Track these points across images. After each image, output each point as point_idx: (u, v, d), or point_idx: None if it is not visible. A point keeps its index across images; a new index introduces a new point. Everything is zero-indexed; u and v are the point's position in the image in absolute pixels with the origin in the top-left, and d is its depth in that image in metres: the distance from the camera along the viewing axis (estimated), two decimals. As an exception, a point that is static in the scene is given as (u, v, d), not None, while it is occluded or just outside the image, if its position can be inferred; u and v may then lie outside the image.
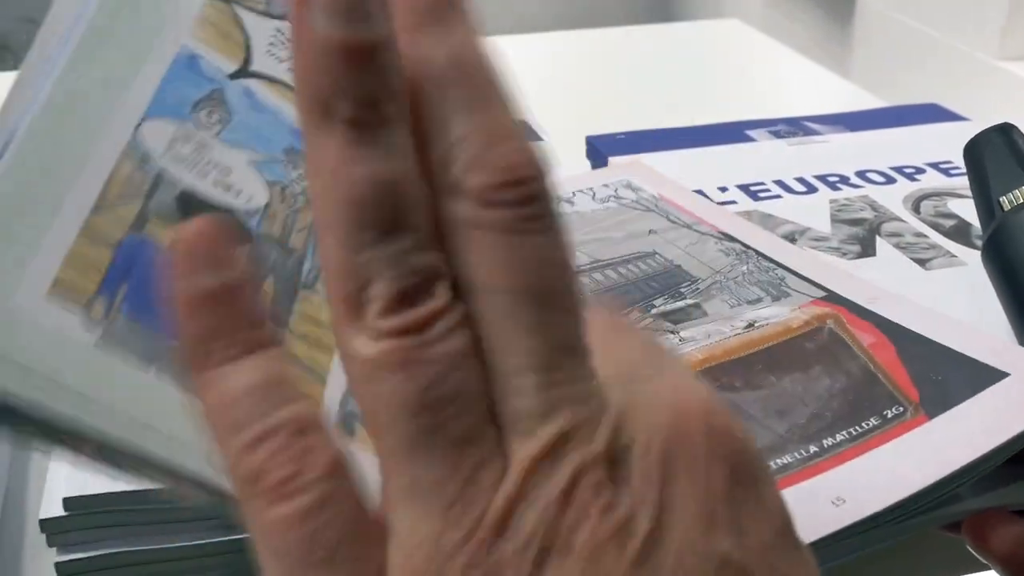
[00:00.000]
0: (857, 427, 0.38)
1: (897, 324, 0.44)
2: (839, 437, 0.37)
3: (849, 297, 0.46)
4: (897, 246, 0.55)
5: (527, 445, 0.19)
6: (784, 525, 0.21)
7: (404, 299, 0.19)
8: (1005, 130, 0.51)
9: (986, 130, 0.52)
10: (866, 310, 0.45)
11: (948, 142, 0.68)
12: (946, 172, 0.64)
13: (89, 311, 0.28)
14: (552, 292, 0.20)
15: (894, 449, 0.37)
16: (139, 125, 0.30)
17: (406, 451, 0.19)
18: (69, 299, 0.27)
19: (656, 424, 0.20)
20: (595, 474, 0.19)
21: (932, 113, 0.76)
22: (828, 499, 0.34)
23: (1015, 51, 1.19)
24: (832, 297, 0.46)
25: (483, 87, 0.20)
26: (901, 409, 0.39)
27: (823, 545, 0.33)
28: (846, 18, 1.55)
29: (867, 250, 0.54)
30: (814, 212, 0.58)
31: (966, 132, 0.54)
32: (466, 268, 0.20)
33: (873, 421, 0.38)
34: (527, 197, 0.20)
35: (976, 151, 0.52)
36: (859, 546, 0.35)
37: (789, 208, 0.59)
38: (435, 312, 0.19)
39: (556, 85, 0.93)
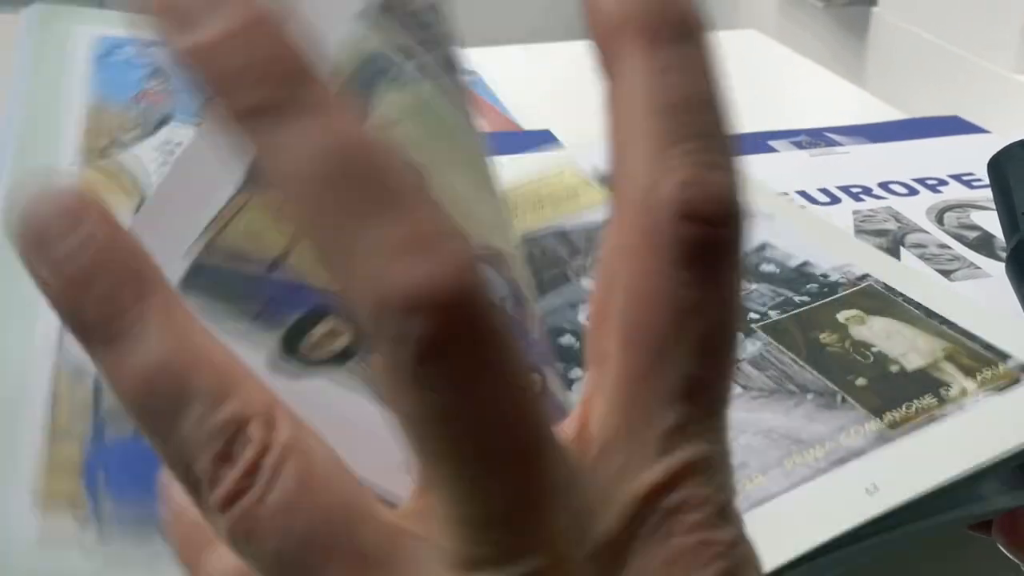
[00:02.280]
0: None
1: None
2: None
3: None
4: (921, 257, 0.55)
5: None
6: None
7: (222, 460, 0.18)
8: (1029, 144, 0.52)
9: (1010, 145, 0.52)
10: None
11: (969, 154, 0.68)
12: (968, 184, 0.64)
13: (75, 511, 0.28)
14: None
15: (926, 436, 0.37)
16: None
17: None
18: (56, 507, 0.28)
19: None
20: None
21: (953, 125, 0.76)
22: (862, 487, 0.35)
23: (1032, 65, 1.19)
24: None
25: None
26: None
27: (857, 540, 0.33)
28: (861, 30, 1.55)
29: (891, 261, 0.55)
30: (838, 223, 0.59)
31: (987, 145, 0.54)
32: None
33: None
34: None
35: (1000, 165, 0.52)
36: (890, 543, 0.35)
37: (813, 218, 0.59)
38: (253, 459, 0.18)
39: (576, 94, 0.93)
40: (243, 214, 0.28)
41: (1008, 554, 0.38)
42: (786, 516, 0.34)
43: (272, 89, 0.17)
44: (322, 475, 0.19)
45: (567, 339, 0.44)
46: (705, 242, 0.19)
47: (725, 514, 0.19)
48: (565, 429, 0.20)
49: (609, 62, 0.21)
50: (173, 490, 0.21)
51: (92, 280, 0.19)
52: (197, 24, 0.17)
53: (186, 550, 0.21)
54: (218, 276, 0.27)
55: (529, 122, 0.82)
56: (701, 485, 0.19)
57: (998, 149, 0.53)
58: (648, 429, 0.19)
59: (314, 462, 0.19)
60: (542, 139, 0.74)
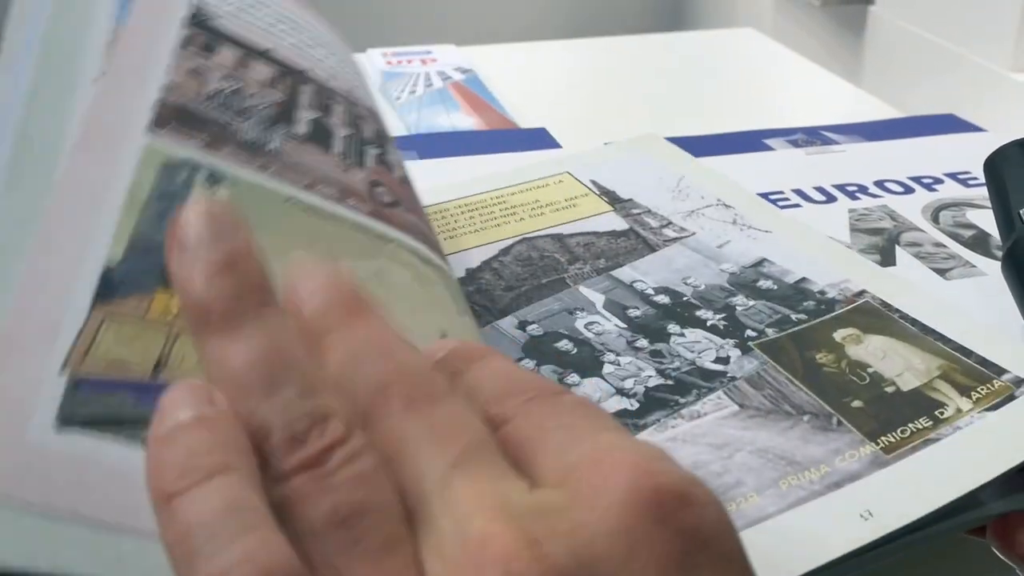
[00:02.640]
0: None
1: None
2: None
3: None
4: (917, 256, 0.55)
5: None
6: None
7: (298, 440, 0.21)
8: (1024, 145, 0.52)
9: (1006, 145, 0.52)
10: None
11: (965, 153, 0.68)
12: (964, 183, 0.64)
13: None
14: (445, 432, 0.22)
15: (921, 460, 0.37)
16: None
17: (331, 572, 0.20)
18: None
19: (587, 508, 0.20)
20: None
21: (948, 124, 0.76)
22: (856, 513, 0.34)
23: (1028, 63, 1.19)
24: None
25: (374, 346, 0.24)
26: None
27: (851, 559, 0.33)
28: (858, 28, 1.55)
29: (887, 260, 0.55)
30: (834, 221, 0.59)
31: (983, 143, 0.54)
32: (358, 400, 0.23)
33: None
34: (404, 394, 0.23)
35: (996, 165, 0.52)
36: (886, 555, 0.35)
37: (809, 217, 0.59)
38: (328, 444, 0.21)
39: (572, 93, 0.94)
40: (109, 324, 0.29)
41: (1003, 557, 0.38)
42: (781, 538, 0.34)
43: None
44: (384, 478, 0.22)
45: (564, 344, 0.44)
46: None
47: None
48: None
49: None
50: (170, 412, 0.22)
51: (225, 279, 0.23)
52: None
53: (159, 481, 0.21)
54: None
55: (525, 120, 0.82)
56: None
57: (994, 148, 0.53)
58: None
59: (376, 464, 0.22)
60: (538, 137, 0.74)
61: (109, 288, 0.30)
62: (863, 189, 0.63)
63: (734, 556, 0.21)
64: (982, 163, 0.53)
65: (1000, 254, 0.50)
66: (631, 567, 0.20)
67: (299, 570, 0.20)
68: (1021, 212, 0.48)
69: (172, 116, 0.34)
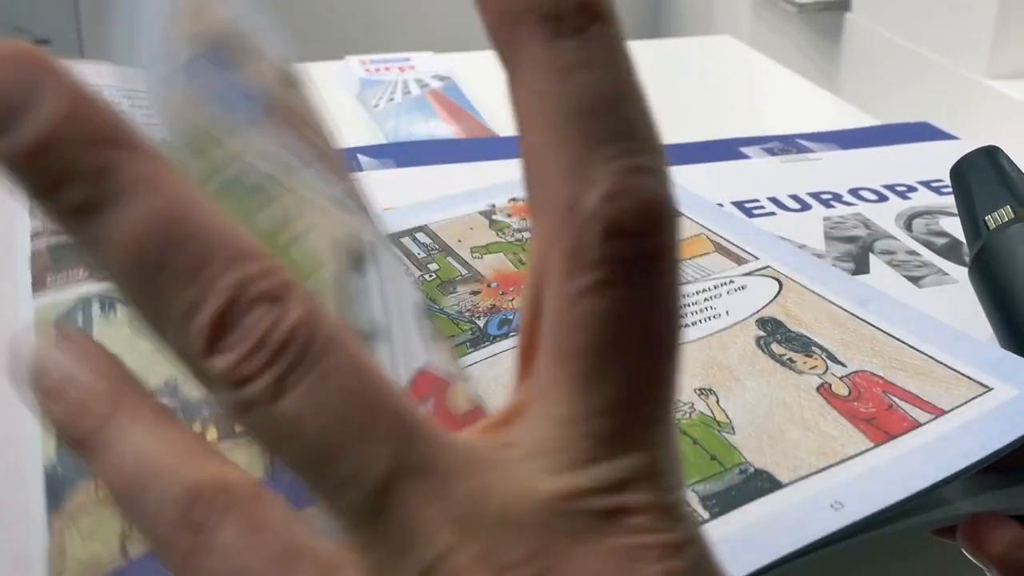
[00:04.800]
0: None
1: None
2: None
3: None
4: (890, 263, 0.56)
5: None
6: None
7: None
8: (990, 152, 0.53)
9: (971, 152, 0.53)
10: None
11: (938, 161, 0.68)
12: (937, 191, 0.64)
13: None
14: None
15: (891, 452, 0.37)
16: None
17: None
18: None
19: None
20: None
21: (923, 132, 0.77)
22: (827, 503, 0.35)
23: (1003, 70, 1.20)
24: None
25: None
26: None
27: (820, 547, 0.34)
28: (835, 35, 1.56)
29: (861, 267, 0.55)
30: (808, 229, 0.59)
31: (956, 151, 0.54)
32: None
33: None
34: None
35: (962, 172, 0.53)
36: (851, 547, 0.35)
37: (783, 225, 0.59)
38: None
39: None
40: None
41: (973, 559, 0.38)
42: (750, 527, 0.34)
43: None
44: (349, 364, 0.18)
45: None
46: (637, 256, 0.18)
47: (674, 515, 0.19)
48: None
49: (509, 57, 0.19)
50: (52, 349, 0.19)
51: (58, 151, 0.17)
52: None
53: (73, 422, 0.19)
54: None
55: (503, 128, 0.82)
56: (642, 492, 0.18)
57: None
58: (580, 439, 0.18)
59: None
60: (515, 145, 0.74)
61: (57, 493, 0.29)
62: (837, 197, 0.64)
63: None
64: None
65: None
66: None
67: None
68: (987, 219, 0.49)
69: (46, 271, 0.35)
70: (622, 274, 0.18)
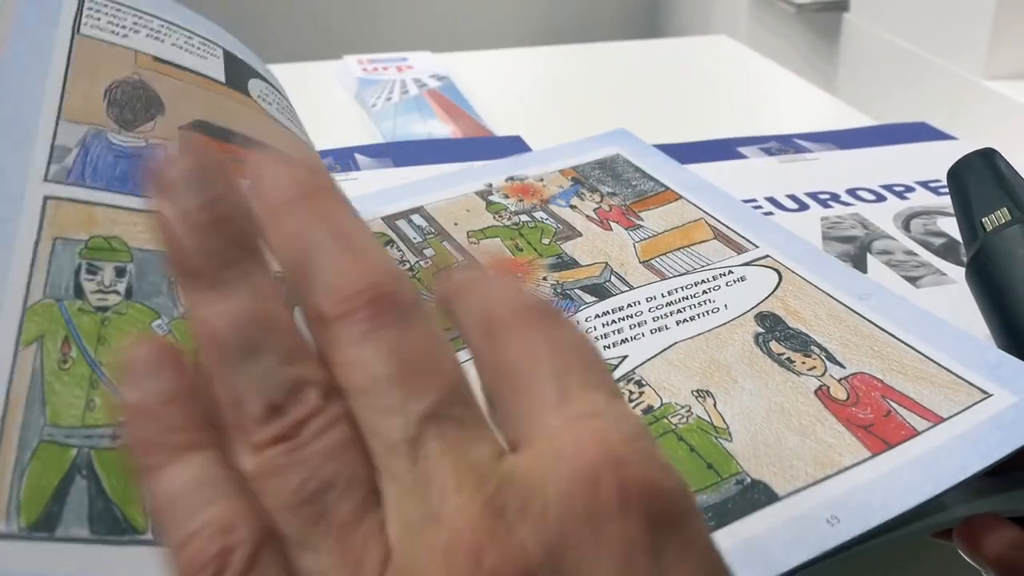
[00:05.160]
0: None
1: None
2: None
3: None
4: (888, 264, 0.56)
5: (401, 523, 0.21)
6: (713, 566, 0.21)
7: (274, 411, 0.21)
8: (987, 155, 0.53)
9: (968, 154, 0.53)
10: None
11: (936, 161, 0.69)
12: (935, 191, 0.64)
13: None
14: (416, 371, 0.21)
15: (889, 463, 0.37)
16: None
17: (298, 548, 0.21)
18: None
19: (555, 490, 0.20)
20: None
21: (920, 132, 0.77)
22: (823, 518, 0.35)
23: (1000, 71, 1.20)
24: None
25: (334, 238, 0.23)
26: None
27: (815, 563, 0.33)
28: (833, 36, 1.56)
29: (859, 267, 0.55)
30: (806, 229, 0.59)
31: (954, 151, 0.55)
32: (335, 373, 0.22)
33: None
34: (370, 302, 0.22)
35: (959, 175, 0.53)
36: (847, 559, 0.35)
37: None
38: (303, 417, 0.21)
39: (546, 100, 0.94)
40: None
41: (970, 560, 0.38)
42: (746, 542, 0.34)
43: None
44: (355, 450, 0.21)
45: None
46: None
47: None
48: None
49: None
50: (143, 378, 0.22)
51: (211, 233, 0.22)
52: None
53: (136, 455, 0.22)
54: None
55: (501, 128, 0.82)
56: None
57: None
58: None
59: (347, 435, 0.21)
60: (513, 145, 0.74)
61: None
62: (835, 197, 0.64)
63: (703, 544, 0.21)
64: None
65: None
66: (598, 554, 0.20)
67: (257, 534, 0.20)
68: (984, 221, 0.49)
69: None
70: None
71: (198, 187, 0.23)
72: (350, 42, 2.33)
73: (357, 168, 0.69)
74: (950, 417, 0.39)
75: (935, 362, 0.42)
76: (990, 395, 0.40)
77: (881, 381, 0.41)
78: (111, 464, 0.29)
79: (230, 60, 0.46)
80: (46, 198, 0.34)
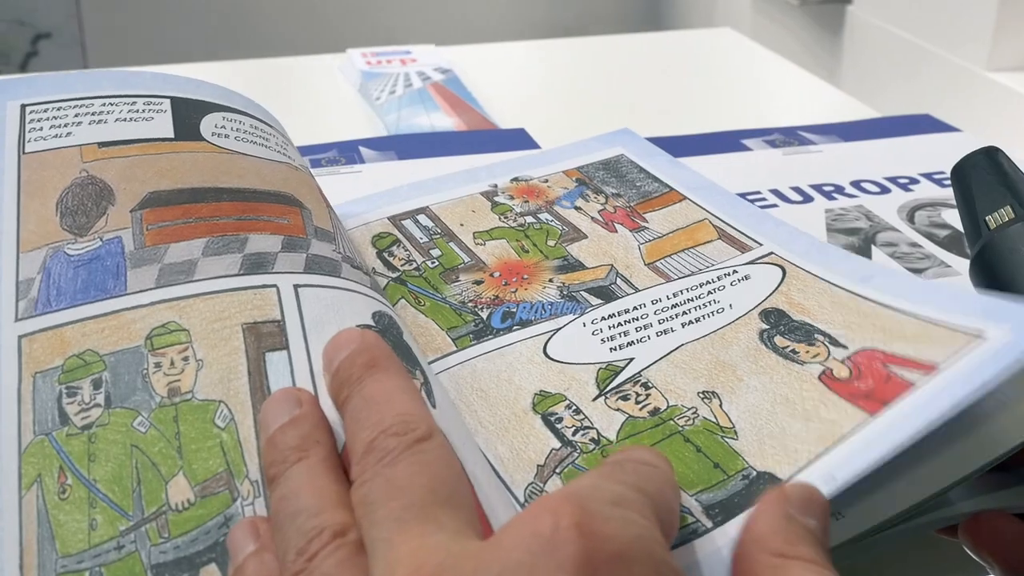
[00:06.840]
0: None
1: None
2: None
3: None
4: (892, 256, 0.56)
5: None
6: None
7: (302, 551, 0.28)
8: (990, 153, 0.53)
9: (972, 152, 0.53)
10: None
11: (941, 153, 0.69)
12: (939, 183, 0.65)
13: None
14: (400, 453, 0.30)
15: (886, 419, 0.37)
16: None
17: None
18: None
19: (524, 558, 0.25)
20: None
21: (924, 124, 0.77)
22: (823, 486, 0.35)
23: (1004, 62, 1.20)
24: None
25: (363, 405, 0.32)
26: None
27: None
28: (836, 28, 1.56)
29: (863, 259, 0.55)
30: (810, 221, 0.59)
31: (958, 143, 0.55)
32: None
33: None
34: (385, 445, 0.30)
35: (963, 172, 0.53)
36: (858, 553, 0.35)
37: (785, 217, 0.59)
38: (319, 548, 0.28)
39: (550, 92, 0.94)
40: None
41: (974, 556, 0.38)
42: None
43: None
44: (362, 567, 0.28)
45: None
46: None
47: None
48: None
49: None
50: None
51: (286, 442, 0.32)
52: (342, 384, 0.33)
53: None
54: None
55: (504, 121, 0.82)
56: None
57: (969, 148, 0.53)
58: None
59: (356, 560, 0.28)
60: (517, 138, 0.74)
61: None
62: (839, 189, 0.64)
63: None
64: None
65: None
66: None
67: None
68: (988, 219, 0.49)
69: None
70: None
71: (284, 413, 0.33)
72: (354, 35, 2.33)
73: (361, 161, 0.69)
74: (945, 363, 0.38)
75: (935, 323, 0.42)
76: (986, 338, 0.39)
77: (883, 352, 0.41)
78: (120, 573, 0.30)
79: (179, 107, 0.47)
80: (20, 337, 0.35)
